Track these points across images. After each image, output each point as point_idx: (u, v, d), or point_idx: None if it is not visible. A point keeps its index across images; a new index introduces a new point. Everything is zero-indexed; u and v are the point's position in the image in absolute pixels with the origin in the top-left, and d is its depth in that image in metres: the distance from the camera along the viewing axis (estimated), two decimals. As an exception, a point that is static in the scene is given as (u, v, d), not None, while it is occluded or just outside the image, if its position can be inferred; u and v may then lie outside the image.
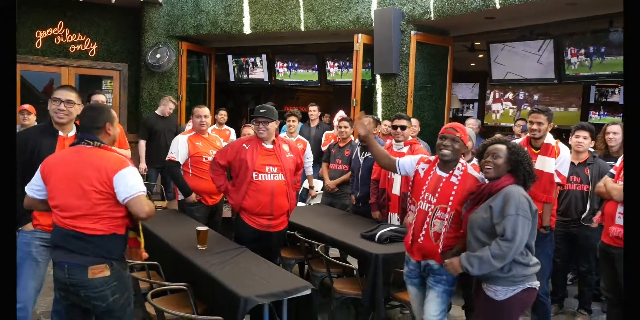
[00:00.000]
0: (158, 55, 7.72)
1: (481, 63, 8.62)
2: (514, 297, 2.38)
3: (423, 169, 2.78)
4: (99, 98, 4.33)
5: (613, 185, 3.05)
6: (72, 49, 7.79)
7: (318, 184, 5.49)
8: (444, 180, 2.66)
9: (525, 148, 3.44)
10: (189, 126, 6.47)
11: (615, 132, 3.98)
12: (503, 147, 2.47)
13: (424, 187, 2.70)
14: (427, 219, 2.65)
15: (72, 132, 2.86)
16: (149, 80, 7.96)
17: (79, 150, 2.32)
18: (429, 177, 2.72)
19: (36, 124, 4.69)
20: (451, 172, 2.67)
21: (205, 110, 4.17)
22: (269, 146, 3.47)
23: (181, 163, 3.99)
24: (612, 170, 3.20)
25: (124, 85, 8.23)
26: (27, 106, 4.95)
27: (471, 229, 2.46)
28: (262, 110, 3.42)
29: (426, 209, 2.67)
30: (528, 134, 3.54)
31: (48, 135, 2.75)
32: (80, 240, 2.23)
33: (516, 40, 6.33)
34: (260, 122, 3.39)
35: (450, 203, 2.61)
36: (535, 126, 3.41)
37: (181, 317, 2.47)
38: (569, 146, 4.00)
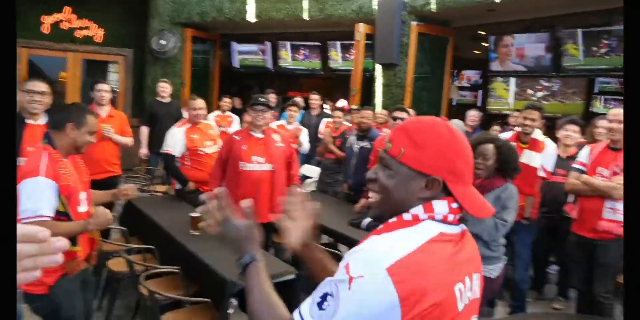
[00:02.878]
0: (163, 42, 7.82)
1: (485, 51, 8.61)
2: (501, 272, 2.70)
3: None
4: (103, 87, 4.41)
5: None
6: (78, 34, 7.91)
7: (313, 172, 5.61)
8: None
9: (514, 143, 3.58)
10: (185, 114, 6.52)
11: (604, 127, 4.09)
12: (491, 146, 2.64)
13: None
14: None
15: (42, 121, 3.02)
16: (153, 66, 8.07)
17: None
18: None
19: None
20: None
21: (199, 103, 4.16)
22: (259, 135, 3.59)
23: (177, 156, 4.10)
24: (578, 166, 3.28)
25: (129, 71, 8.36)
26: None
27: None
28: (261, 99, 3.56)
29: None
30: (518, 129, 3.63)
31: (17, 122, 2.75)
32: None
33: (517, 32, 6.35)
34: (259, 110, 3.52)
35: None
36: (528, 122, 3.51)
37: (172, 298, 2.63)
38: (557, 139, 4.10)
